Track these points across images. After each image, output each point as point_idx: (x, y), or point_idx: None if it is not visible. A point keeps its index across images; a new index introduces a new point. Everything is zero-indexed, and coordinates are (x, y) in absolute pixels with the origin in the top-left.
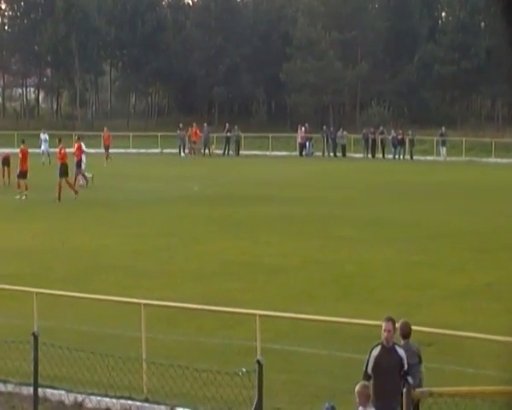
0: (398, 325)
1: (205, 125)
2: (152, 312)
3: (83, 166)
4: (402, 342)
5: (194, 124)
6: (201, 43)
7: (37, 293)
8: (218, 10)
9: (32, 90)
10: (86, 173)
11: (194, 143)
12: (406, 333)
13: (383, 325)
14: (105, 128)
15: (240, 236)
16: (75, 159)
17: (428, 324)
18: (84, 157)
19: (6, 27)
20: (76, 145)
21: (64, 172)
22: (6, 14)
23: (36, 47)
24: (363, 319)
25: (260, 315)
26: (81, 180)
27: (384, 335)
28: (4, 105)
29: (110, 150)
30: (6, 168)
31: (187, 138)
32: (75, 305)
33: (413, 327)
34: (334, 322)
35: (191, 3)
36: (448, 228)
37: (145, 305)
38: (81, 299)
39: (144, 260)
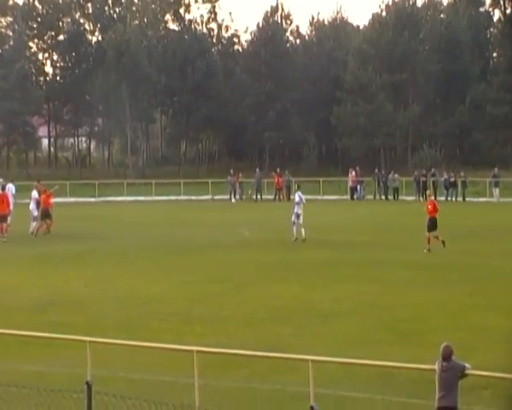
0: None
1: (256, 170)
2: (204, 358)
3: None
4: (443, 363)
5: (278, 169)
6: (251, 88)
7: (90, 341)
8: (268, 56)
9: (83, 139)
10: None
11: (280, 189)
12: (447, 355)
13: None
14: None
15: (291, 281)
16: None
17: (483, 367)
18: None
19: (58, 78)
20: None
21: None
22: (58, 64)
23: (87, 96)
24: (417, 363)
25: (313, 360)
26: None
27: None
28: (56, 155)
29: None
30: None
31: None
32: (128, 353)
33: (468, 371)
34: (387, 366)
35: (241, 50)
36: (502, 270)
37: (197, 352)
38: (133, 347)
39: (197, 306)
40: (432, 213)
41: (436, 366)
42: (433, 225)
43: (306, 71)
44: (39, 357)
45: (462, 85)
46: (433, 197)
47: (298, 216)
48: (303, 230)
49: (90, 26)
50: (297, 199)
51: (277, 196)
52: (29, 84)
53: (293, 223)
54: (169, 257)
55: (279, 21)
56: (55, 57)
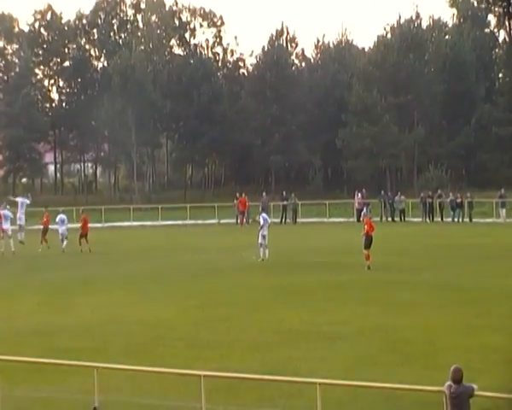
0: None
1: (263, 194)
2: (212, 382)
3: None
4: (453, 388)
5: (284, 192)
6: (257, 112)
7: (97, 367)
8: (273, 79)
9: (89, 165)
10: None
11: (242, 212)
12: (457, 378)
13: None
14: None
15: (298, 304)
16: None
17: (490, 388)
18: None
19: (64, 104)
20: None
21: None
22: (63, 91)
23: (93, 122)
24: (425, 385)
25: (320, 383)
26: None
27: None
28: (62, 181)
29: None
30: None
31: (236, 209)
32: (135, 378)
33: (476, 392)
34: (395, 388)
35: (246, 73)
36: (509, 291)
37: (205, 376)
38: (141, 372)
39: (203, 331)
40: (368, 231)
41: (445, 388)
42: (369, 242)
43: (311, 94)
44: (47, 383)
45: (468, 106)
46: (367, 218)
47: (264, 237)
48: (267, 251)
49: (95, 52)
50: (262, 221)
51: (238, 220)
52: (35, 110)
53: (260, 244)
54: (175, 282)
55: (284, 45)
56: (60, 83)
